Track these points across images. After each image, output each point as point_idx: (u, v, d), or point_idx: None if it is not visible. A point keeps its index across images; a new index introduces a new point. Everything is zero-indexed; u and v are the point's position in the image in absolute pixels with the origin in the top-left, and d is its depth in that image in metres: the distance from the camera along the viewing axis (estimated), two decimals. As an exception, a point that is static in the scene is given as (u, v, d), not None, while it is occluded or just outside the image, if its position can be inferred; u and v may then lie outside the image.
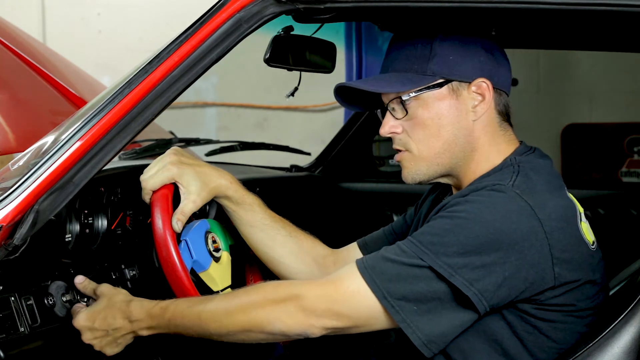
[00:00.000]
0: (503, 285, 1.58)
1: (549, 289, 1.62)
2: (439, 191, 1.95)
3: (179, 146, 2.72)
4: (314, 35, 1.97)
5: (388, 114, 1.77)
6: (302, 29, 1.91)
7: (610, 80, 4.96)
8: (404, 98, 1.73)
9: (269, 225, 1.98)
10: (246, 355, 2.39)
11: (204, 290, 1.88)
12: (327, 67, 2.08)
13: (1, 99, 2.82)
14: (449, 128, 1.73)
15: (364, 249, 2.06)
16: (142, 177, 1.87)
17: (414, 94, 1.72)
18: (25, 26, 3.57)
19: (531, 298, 1.62)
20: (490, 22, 1.78)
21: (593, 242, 1.71)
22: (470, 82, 1.72)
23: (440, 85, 1.72)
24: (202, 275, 1.90)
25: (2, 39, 2.99)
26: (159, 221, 1.80)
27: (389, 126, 1.77)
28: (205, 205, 2.03)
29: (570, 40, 2.18)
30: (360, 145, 3.06)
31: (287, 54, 1.94)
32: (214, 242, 1.93)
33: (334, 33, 2.06)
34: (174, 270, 1.79)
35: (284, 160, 3.23)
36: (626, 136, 4.98)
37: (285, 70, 1.99)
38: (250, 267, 2.10)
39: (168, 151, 1.90)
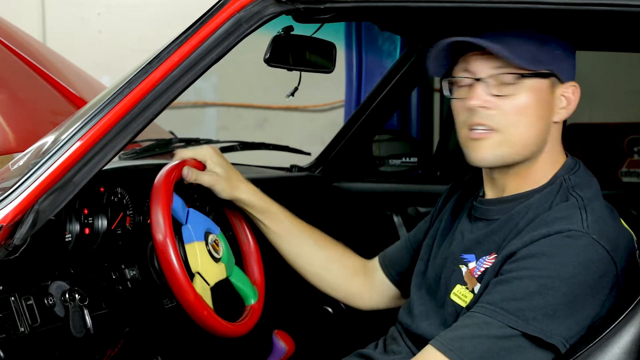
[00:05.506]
0: (581, 331, 1.56)
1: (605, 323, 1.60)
2: (462, 190, 1.89)
3: (178, 146, 2.72)
4: (314, 35, 1.97)
5: (480, 85, 1.63)
6: (302, 29, 1.91)
7: (610, 80, 4.95)
8: (516, 74, 1.60)
9: (296, 235, 1.99)
10: (246, 355, 2.39)
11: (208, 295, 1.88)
12: (327, 67, 2.07)
13: (1, 99, 2.82)
14: (543, 121, 1.65)
15: (383, 266, 2.03)
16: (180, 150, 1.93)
17: (529, 75, 1.62)
18: (25, 26, 3.56)
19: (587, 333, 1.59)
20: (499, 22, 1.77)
21: None
22: (563, 83, 1.66)
23: (545, 75, 1.64)
24: (188, 248, 1.85)
25: (2, 39, 2.99)
26: (159, 231, 1.77)
27: (483, 100, 1.62)
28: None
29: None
30: (360, 145, 3.05)
31: (287, 54, 1.94)
32: (216, 243, 1.92)
33: (334, 33, 2.06)
34: (177, 281, 1.78)
35: (284, 160, 3.22)
36: (626, 136, 4.97)
37: (285, 70, 1.99)
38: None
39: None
